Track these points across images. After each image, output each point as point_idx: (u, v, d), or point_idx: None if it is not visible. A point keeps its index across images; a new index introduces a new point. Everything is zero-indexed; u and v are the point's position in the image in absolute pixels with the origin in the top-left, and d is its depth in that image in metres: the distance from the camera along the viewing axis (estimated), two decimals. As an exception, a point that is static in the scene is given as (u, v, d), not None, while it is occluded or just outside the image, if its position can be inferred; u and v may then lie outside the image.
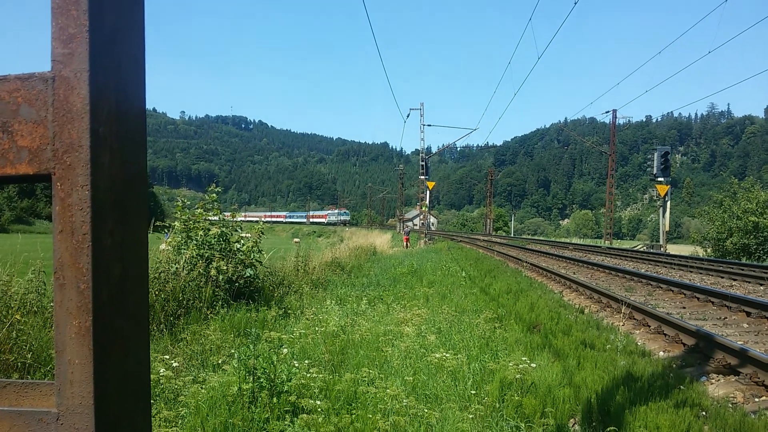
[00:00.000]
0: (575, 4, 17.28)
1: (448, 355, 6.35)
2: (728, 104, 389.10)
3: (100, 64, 0.94)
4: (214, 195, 11.26)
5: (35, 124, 0.94)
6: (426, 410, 4.70)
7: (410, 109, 48.05)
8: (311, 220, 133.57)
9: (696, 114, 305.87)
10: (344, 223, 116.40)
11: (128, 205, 1.03)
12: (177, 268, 9.39)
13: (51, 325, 6.22)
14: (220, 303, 9.27)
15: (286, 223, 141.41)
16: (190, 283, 9.26)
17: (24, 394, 1.12)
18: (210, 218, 10.98)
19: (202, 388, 5.19)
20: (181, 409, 4.80)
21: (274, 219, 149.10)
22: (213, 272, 9.75)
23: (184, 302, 8.81)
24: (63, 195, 0.93)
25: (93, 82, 0.93)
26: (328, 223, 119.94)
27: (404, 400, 4.78)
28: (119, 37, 0.99)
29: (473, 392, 5.41)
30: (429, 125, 67.32)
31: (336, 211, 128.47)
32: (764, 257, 28.19)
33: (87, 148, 0.92)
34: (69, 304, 0.93)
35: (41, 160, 0.94)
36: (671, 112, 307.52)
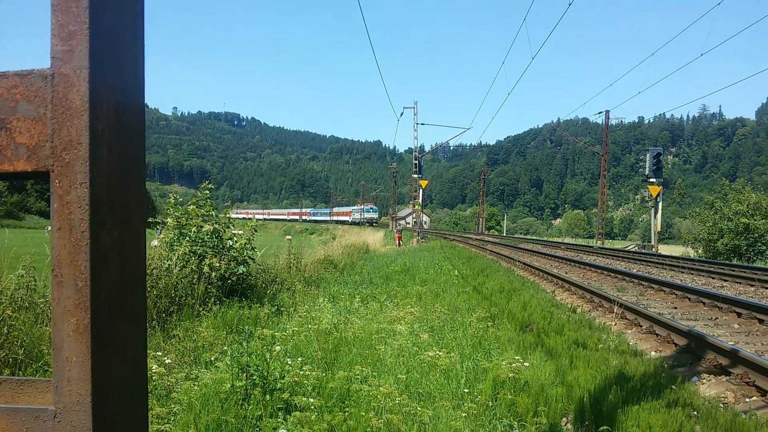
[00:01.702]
0: (569, 4, 17.30)
1: (441, 353, 6.36)
2: (720, 106, 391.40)
3: (100, 62, 0.94)
4: (207, 192, 11.23)
5: (34, 121, 0.94)
6: (419, 408, 4.71)
7: (404, 108, 47.73)
8: (334, 218, 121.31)
9: (688, 116, 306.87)
10: (371, 222, 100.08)
11: (126, 203, 1.02)
12: (169, 264, 9.37)
13: (42, 321, 6.19)
14: (213, 300, 9.25)
15: (309, 221, 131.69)
16: (183, 280, 9.23)
17: (20, 391, 1.11)
18: (229, 216, 11.05)
19: (194, 385, 5.18)
20: (173, 405, 4.79)
21: (296, 216, 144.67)
22: (206, 269, 9.73)
23: (177, 299, 8.79)
24: (61, 192, 0.92)
25: (92, 80, 0.92)
26: (353, 222, 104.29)
27: (397, 398, 4.79)
28: (119, 35, 0.98)
29: (466, 391, 5.42)
30: (422, 124, 67.44)
31: (361, 207, 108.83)
32: (755, 258, 28.38)
33: (86, 145, 0.91)
34: (67, 302, 0.92)
35: (39, 157, 0.93)
36: (663, 113, 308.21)
